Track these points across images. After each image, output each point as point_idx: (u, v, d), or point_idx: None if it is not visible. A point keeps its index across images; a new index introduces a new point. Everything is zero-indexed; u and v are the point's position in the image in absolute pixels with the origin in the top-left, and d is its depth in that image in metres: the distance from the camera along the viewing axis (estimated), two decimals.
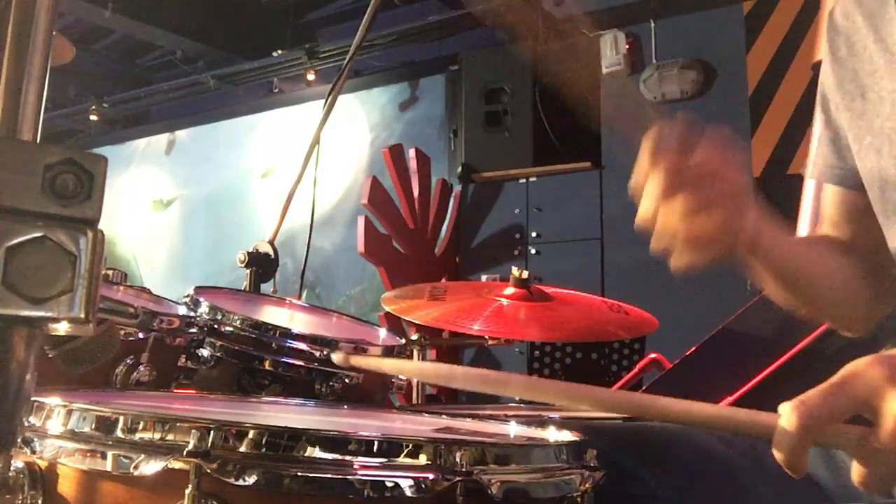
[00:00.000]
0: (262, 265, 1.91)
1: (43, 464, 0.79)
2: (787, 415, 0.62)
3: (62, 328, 0.49)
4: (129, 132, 8.28)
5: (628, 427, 1.21)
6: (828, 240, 1.17)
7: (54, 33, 0.53)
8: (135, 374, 1.17)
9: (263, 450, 0.73)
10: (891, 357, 0.64)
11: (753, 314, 2.60)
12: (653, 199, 0.86)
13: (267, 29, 6.67)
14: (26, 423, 0.79)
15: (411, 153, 5.05)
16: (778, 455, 0.63)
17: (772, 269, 1.04)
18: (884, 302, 1.15)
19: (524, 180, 4.90)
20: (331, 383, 1.38)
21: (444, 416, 1.19)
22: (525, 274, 1.87)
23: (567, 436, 0.96)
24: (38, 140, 0.52)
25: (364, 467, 0.74)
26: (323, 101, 2.07)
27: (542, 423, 1.05)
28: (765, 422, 0.64)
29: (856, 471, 0.64)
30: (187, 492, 0.70)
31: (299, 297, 2.16)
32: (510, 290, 1.87)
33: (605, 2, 4.68)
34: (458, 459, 0.75)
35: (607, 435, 0.89)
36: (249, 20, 6.78)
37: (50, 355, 1.02)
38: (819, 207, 1.20)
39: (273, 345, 1.37)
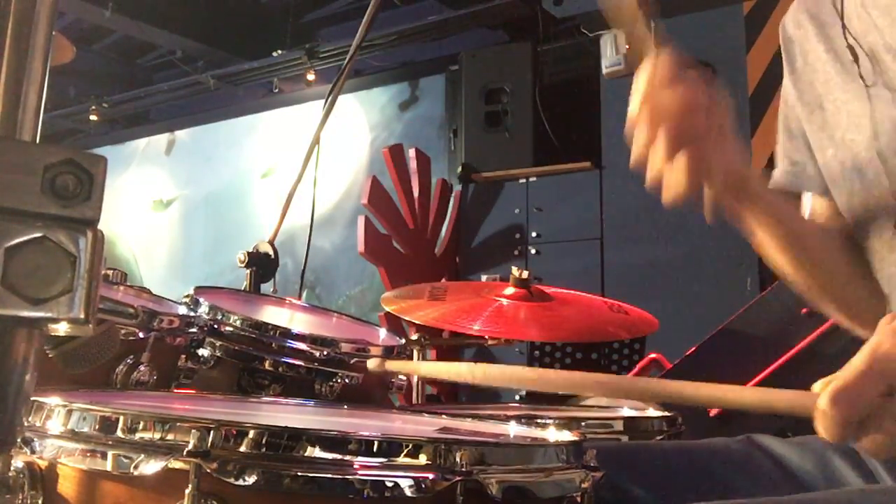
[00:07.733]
0: (262, 265, 1.91)
1: (43, 464, 0.79)
2: (825, 406, 0.66)
3: (62, 328, 0.49)
4: (129, 132, 8.27)
5: (626, 446, 1.21)
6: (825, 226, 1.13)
7: (54, 33, 0.53)
8: (135, 374, 1.17)
9: (263, 450, 0.73)
10: None
11: (753, 314, 2.60)
12: (643, 135, 0.88)
13: (267, 29, 6.66)
14: (26, 423, 0.79)
15: (411, 153, 5.04)
16: (825, 436, 0.68)
17: (765, 223, 1.01)
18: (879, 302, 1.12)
19: (524, 180, 4.89)
20: (331, 383, 1.37)
21: (444, 416, 1.19)
22: (525, 274, 1.87)
23: (567, 436, 0.96)
24: (38, 140, 0.52)
25: (364, 467, 0.74)
26: (323, 101, 2.07)
27: (542, 423, 1.05)
28: (803, 403, 0.69)
29: (870, 440, 0.66)
30: (187, 492, 0.70)
31: (299, 297, 2.16)
32: (510, 290, 1.87)
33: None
34: (458, 459, 0.75)
35: (604, 454, 0.88)
36: (249, 20, 6.77)
37: (50, 355, 1.02)
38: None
39: (273, 345, 1.36)
